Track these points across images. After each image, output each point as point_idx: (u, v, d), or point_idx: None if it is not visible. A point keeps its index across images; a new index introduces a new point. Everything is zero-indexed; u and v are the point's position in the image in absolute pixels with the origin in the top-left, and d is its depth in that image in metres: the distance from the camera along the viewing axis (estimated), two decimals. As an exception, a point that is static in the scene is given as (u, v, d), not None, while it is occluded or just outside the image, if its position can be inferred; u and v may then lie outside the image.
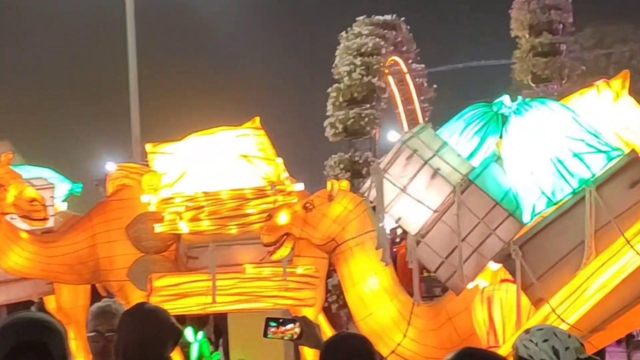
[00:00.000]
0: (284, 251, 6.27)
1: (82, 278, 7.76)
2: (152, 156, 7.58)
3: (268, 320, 3.84)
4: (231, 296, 7.10)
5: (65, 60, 38.48)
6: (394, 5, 17.77)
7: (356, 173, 15.40)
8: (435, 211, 5.23)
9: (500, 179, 5.19)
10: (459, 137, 5.43)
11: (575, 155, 5.10)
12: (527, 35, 17.47)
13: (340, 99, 15.60)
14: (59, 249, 7.55)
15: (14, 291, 8.45)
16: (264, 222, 6.50)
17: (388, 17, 16.87)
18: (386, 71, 17.02)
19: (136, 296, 7.31)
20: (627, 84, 5.54)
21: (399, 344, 6.01)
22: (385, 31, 16.35)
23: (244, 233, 7.09)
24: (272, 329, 3.82)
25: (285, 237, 6.16)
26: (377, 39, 15.83)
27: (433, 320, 5.99)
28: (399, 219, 5.38)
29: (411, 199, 5.27)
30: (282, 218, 6.13)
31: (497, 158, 5.26)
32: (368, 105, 15.56)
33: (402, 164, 5.28)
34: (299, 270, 7.10)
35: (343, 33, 16.37)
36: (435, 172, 5.19)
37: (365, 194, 5.52)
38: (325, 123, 16.01)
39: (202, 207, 7.09)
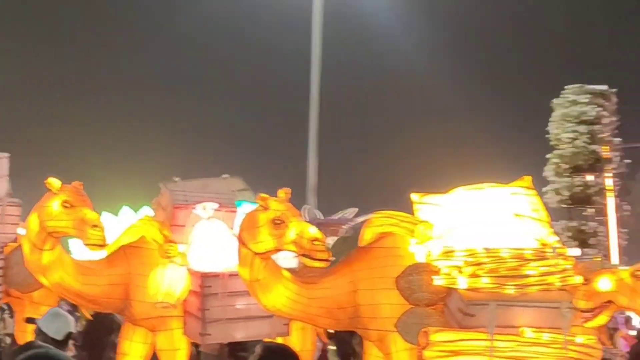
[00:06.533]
0: (601, 319, 5.93)
1: (340, 323, 7.64)
2: (418, 207, 7.48)
3: None
4: (507, 359, 6.78)
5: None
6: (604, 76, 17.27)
7: (583, 242, 15.09)
8: None
9: None
10: None
11: None
12: None
13: (564, 166, 15.30)
14: (319, 291, 7.47)
15: (251, 329, 8.49)
16: (542, 285, 6.37)
17: (603, 87, 16.49)
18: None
19: (400, 347, 7.13)
20: None
21: None
22: (603, 101, 15.98)
23: (523, 295, 6.81)
24: None
25: (606, 304, 5.82)
26: (598, 108, 15.48)
27: None
28: None
29: None
30: (604, 284, 5.80)
31: None
32: (594, 175, 15.22)
33: None
34: (579, 340, 6.72)
35: (555, 100, 16.08)
36: None
37: None
38: (547, 188, 15.71)
39: (482, 263, 6.85)
